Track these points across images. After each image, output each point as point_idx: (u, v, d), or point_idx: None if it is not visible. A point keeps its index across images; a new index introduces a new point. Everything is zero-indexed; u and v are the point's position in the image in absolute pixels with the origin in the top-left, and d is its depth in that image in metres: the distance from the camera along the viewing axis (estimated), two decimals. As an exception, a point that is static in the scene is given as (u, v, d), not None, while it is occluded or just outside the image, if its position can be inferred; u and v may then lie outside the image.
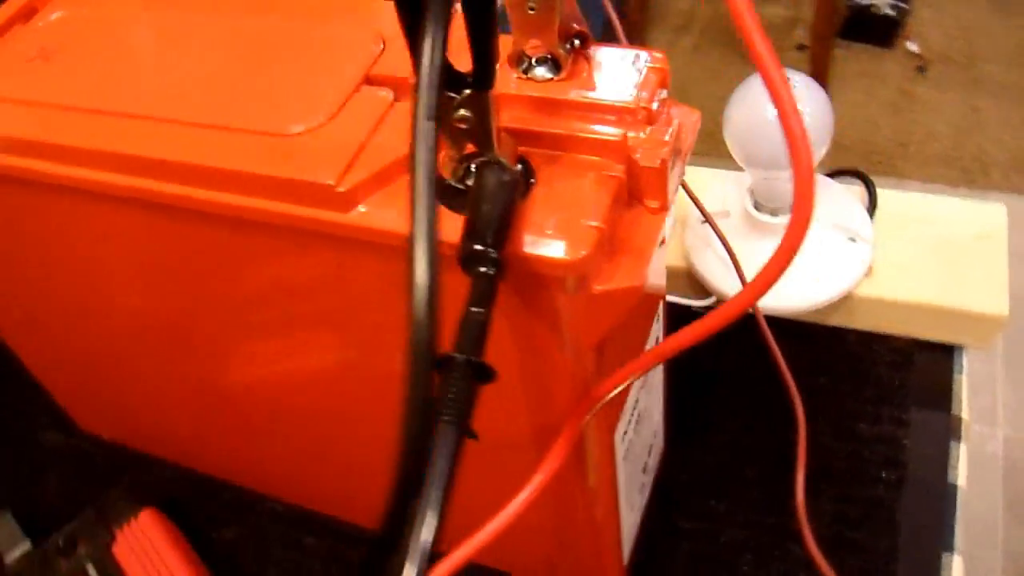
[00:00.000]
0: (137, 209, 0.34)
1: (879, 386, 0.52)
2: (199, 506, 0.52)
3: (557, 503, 0.40)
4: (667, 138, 0.29)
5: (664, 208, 0.30)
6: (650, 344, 0.40)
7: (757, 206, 0.52)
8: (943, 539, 0.47)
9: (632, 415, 0.39)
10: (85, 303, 0.43)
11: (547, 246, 0.27)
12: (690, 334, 0.27)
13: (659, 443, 0.48)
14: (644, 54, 0.32)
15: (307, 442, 0.44)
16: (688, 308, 0.54)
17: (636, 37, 1.80)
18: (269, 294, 0.35)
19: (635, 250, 0.29)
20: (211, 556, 0.49)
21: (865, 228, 0.53)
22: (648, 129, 0.29)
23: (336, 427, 0.41)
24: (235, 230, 0.32)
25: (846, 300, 0.52)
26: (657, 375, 0.43)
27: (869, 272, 0.52)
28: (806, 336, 0.54)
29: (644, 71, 0.31)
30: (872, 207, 0.55)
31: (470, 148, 0.28)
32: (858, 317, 0.54)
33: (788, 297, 0.51)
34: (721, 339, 0.51)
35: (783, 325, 0.54)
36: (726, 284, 0.52)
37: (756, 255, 0.51)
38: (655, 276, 0.36)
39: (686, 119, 0.32)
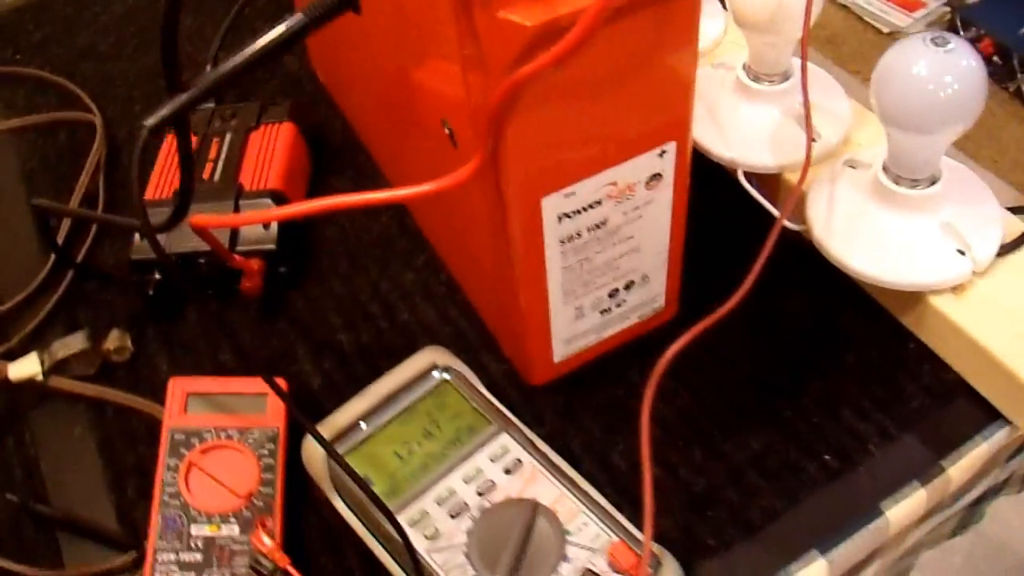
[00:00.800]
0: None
1: (897, 397, 0.50)
2: (334, 154, 0.64)
3: (494, 263, 0.46)
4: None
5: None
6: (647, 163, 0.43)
7: (885, 168, 0.50)
8: (825, 544, 0.45)
9: (585, 211, 0.43)
10: None
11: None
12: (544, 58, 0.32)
13: (654, 295, 0.50)
14: None
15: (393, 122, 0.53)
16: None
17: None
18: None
19: (552, 4, 0.33)
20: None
21: (983, 252, 0.49)
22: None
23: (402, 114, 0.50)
24: None
25: (922, 304, 0.50)
26: (654, 210, 0.45)
27: (959, 291, 0.49)
28: (875, 319, 0.53)
29: None
30: (1017, 245, 0.50)
31: None
32: (924, 328, 0.51)
33: (859, 258, 0.50)
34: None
35: (862, 297, 0.53)
36: (813, 219, 0.52)
37: (872, 218, 0.50)
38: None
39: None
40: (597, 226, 0.44)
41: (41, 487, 0.51)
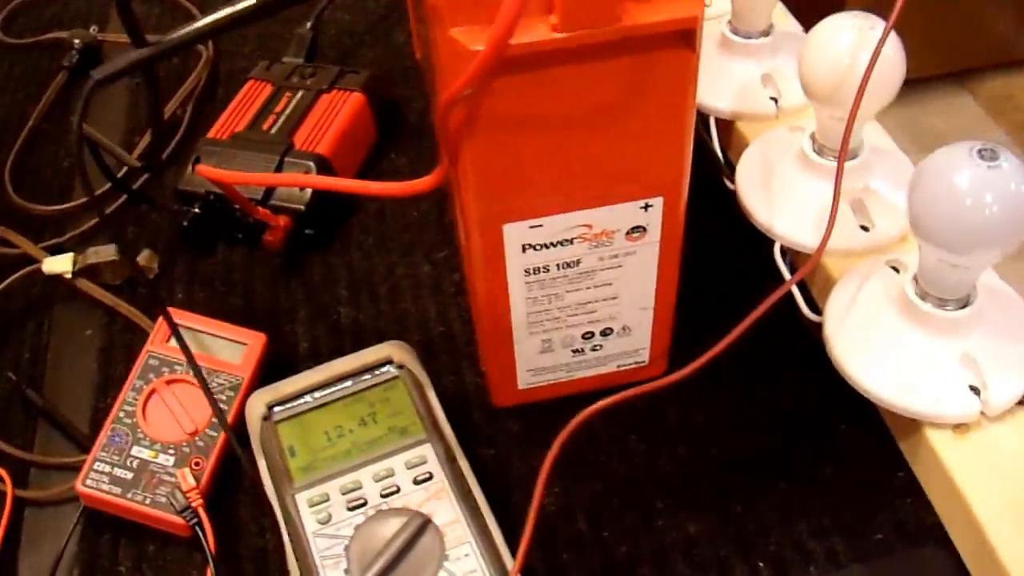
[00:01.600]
0: None
1: (863, 524, 0.46)
2: (404, 132, 0.65)
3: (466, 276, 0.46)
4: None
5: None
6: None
7: (915, 279, 0.46)
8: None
9: (553, 246, 0.42)
10: None
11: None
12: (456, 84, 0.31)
13: (635, 348, 0.48)
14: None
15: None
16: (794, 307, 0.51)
17: None
18: None
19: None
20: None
21: (1000, 396, 0.44)
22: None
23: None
24: None
25: (920, 434, 0.46)
26: (636, 262, 0.43)
27: (961, 431, 0.45)
28: (872, 435, 0.49)
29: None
30: (1048, 398, 0.45)
31: None
32: (917, 459, 0.46)
33: (861, 366, 0.46)
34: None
35: (868, 409, 0.49)
36: (829, 312, 0.48)
37: (888, 327, 0.46)
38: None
39: None
40: (568, 264, 0.43)
41: (40, 375, 0.55)
